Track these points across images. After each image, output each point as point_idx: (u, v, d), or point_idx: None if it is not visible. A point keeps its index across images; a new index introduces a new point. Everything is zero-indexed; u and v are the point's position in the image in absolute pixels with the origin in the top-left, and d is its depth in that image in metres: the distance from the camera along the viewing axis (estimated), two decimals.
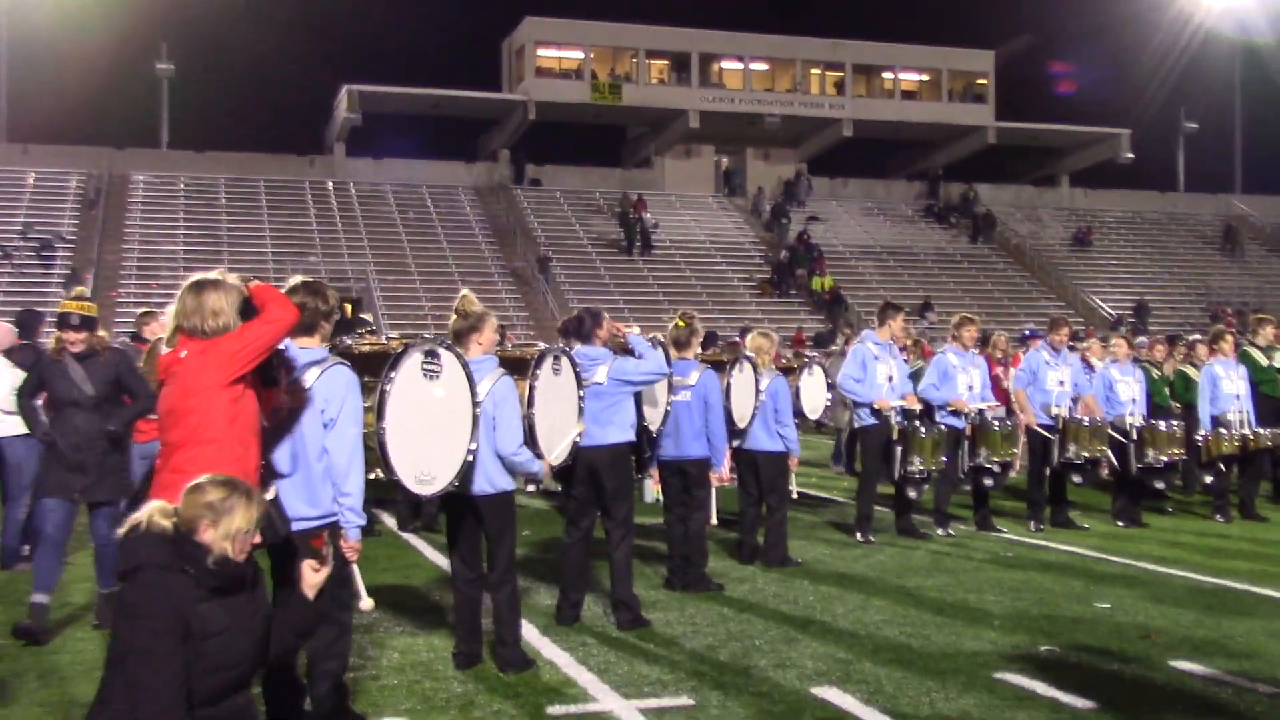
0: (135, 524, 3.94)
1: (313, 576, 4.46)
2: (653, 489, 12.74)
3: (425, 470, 5.83)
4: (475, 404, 5.90)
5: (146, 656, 3.72)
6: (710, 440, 8.43)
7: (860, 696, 5.81)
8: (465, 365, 5.91)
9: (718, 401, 8.46)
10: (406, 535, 10.77)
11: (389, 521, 11.42)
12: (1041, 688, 5.94)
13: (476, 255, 39.84)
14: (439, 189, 43.62)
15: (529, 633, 6.90)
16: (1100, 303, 41.88)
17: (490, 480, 6.18)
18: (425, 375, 5.84)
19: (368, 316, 14.12)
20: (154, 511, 3.97)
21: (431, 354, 5.85)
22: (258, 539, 4.13)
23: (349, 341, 8.23)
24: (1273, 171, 53.65)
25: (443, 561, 9.12)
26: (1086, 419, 11.05)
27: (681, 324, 8.55)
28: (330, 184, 42.77)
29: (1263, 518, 11.92)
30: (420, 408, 5.78)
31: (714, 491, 8.83)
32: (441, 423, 5.84)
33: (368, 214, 41.14)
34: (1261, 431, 11.80)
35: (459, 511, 6.33)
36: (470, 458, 5.90)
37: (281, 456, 5.03)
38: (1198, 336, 16.08)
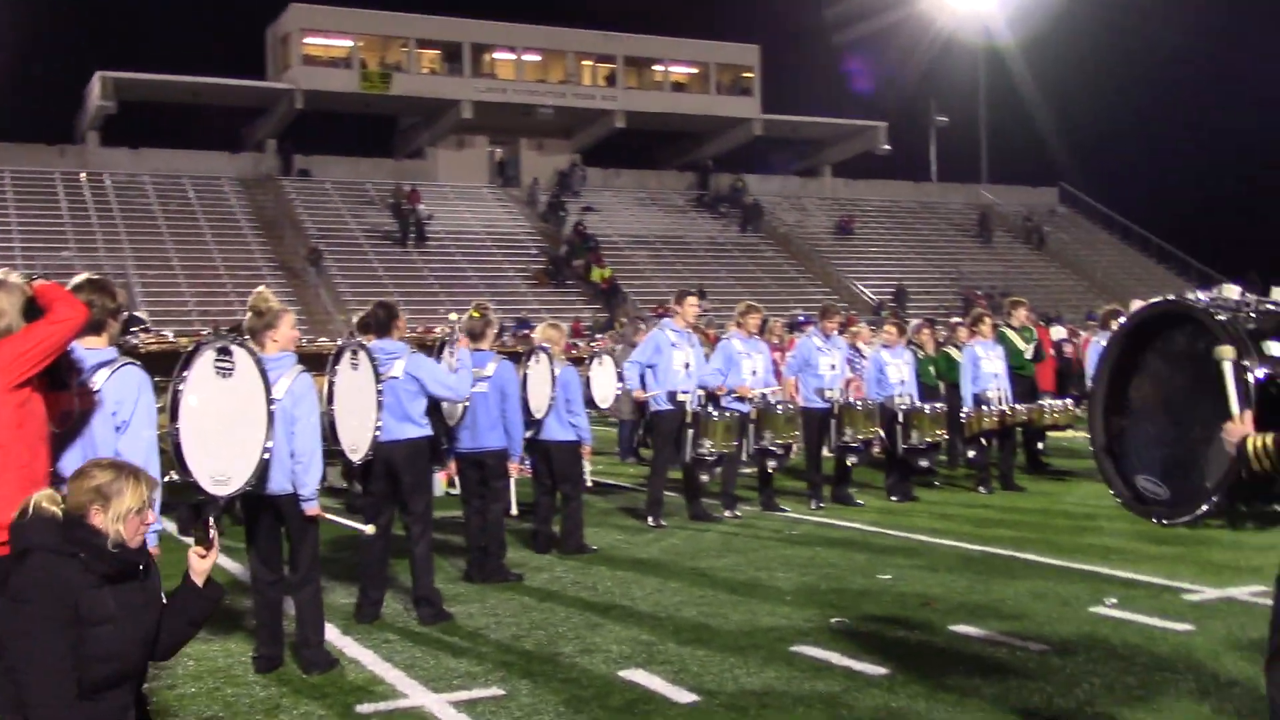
0: (23, 509, 3.77)
1: (200, 563, 4.28)
2: (443, 482, 12.67)
3: (221, 470, 5.68)
4: (270, 401, 5.77)
5: (32, 642, 3.60)
6: (508, 431, 8.46)
7: (666, 676, 5.97)
8: (259, 362, 5.78)
9: (515, 392, 8.51)
10: (187, 539, 10.39)
11: (168, 526, 10.99)
12: (836, 658, 6.23)
13: (243, 249, 38.55)
14: (201, 180, 41.95)
15: (330, 633, 6.78)
16: (863, 289, 43.64)
17: (291, 479, 6.06)
18: (218, 373, 5.69)
19: (141, 314, 13.56)
20: (41, 498, 3.82)
21: (224, 351, 5.70)
22: (151, 518, 4.00)
23: (135, 342, 7.91)
24: (1015, 163, 57.04)
25: (230, 564, 8.89)
26: (859, 403, 11.56)
27: (476, 314, 8.55)
28: (83, 175, 40.58)
29: (1021, 488, 12.73)
30: (214, 407, 5.63)
31: (512, 482, 8.87)
32: (237, 421, 5.70)
33: (125, 206, 39.27)
34: (1018, 407, 12.60)
35: (258, 512, 6.19)
36: (267, 456, 5.77)
37: (72, 462, 4.79)
38: (958, 319, 17.02)
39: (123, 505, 3.84)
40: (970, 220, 53.14)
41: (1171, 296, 4.70)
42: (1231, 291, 4.63)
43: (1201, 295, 4.63)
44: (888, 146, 54.66)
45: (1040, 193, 57.06)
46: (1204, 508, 4.25)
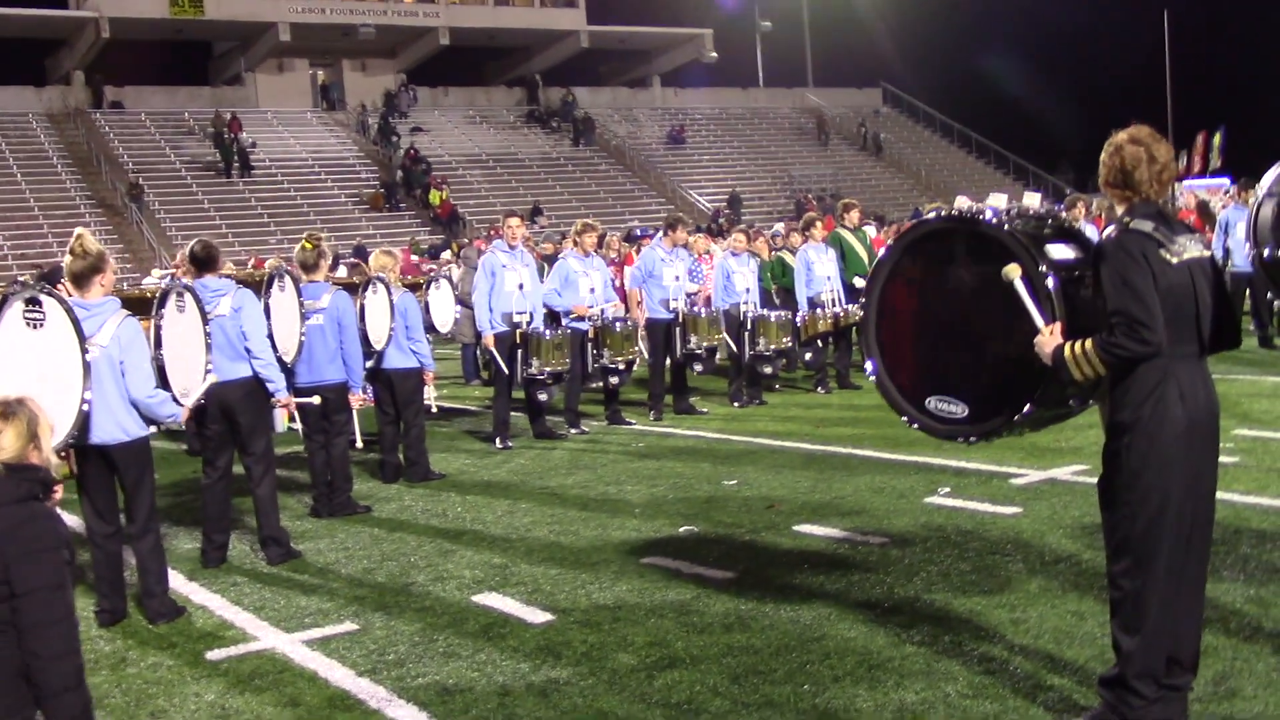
0: None
1: None
2: (283, 419, 12.44)
3: None
4: (84, 350, 5.56)
5: (60, 592, 3.58)
6: (346, 363, 8.34)
7: (520, 598, 6.02)
8: (70, 310, 5.55)
9: (352, 323, 8.36)
10: None
11: None
12: (685, 566, 6.37)
13: (58, 187, 36.76)
14: (6, 117, 39.66)
15: (176, 580, 6.66)
16: (698, 197, 43.92)
17: (123, 427, 5.88)
18: (28, 324, 5.48)
19: None
20: None
21: (33, 301, 5.48)
22: None
23: None
24: (838, 66, 57.80)
25: (70, 519, 8.59)
26: (703, 311, 11.70)
27: (309, 246, 8.36)
28: None
29: (857, 386, 13.08)
30: (24, 359, 5.43)
31: (354, 414, 8.75)
32: (52, 374, 5.50)
33: None
34: (851, 308, 12.89)
35: (87, 463, 5.99)
36: (86, 408, 5.58)
37: None
38: (787, 224, 17.29)
39: (46, 434, 3.77)
40: (798, 125, 53.80)
41: (944, 211, 4.78)
42: (998, 200, 4.79)
43: (971, 206, 4.75)
44: (714, 54, 54.75)
45: (865, 94, 58.02)
46: (1016, 418, 4.37)
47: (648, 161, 46.58)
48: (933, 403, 4.66)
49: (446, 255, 26.84)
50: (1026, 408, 4.31)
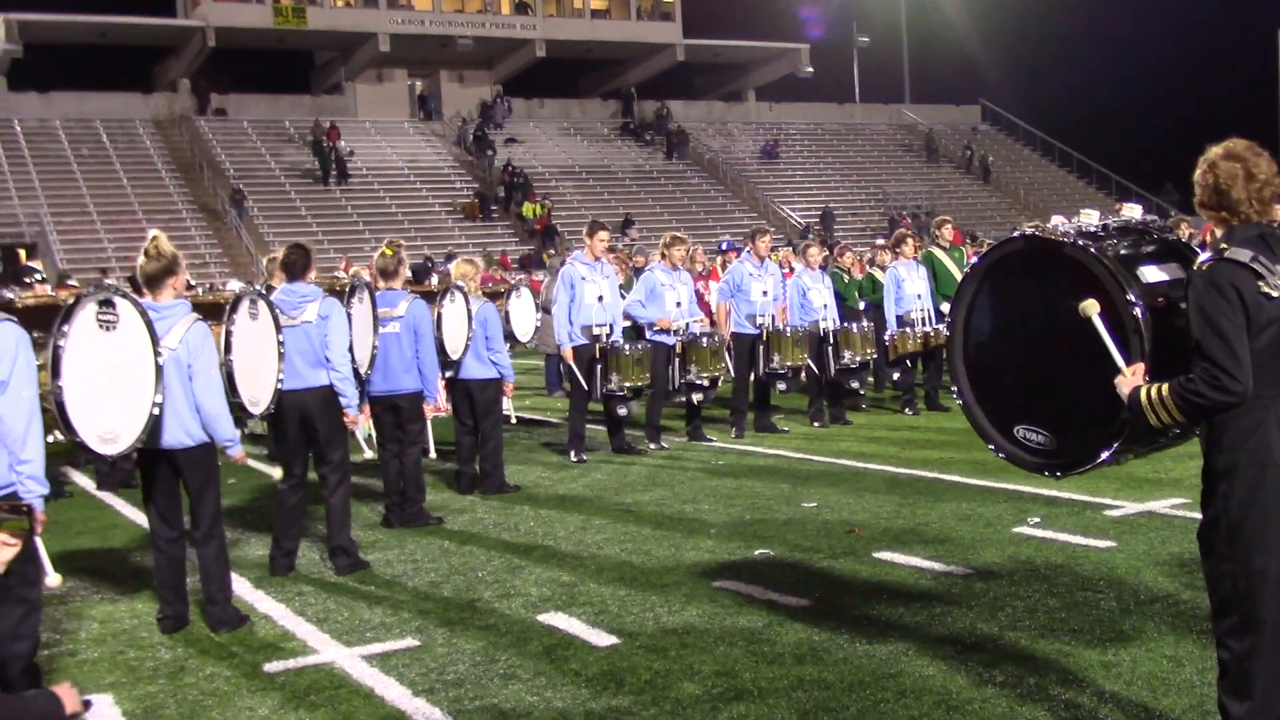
0: None
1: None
2: (364, 426, 12.43)
3: (109, 428, 5.46)
4: (157, 353, 5.51)
5: None
6: (422, 372, 8.25)
7: (586, 619, 5.84)
8: (144, 313, 5.51)
9: (428, 331, 8.27)
10: (103, 494, 10.11)
11: (81, 481, 10.70)
12: (759, 591, 6.14)
13: (161, 192, 37.58)
14: (114, 123, 40.73)
15: (241, 587, 6.61)
16: (790, 212, 43.54)
17: (188, 432, 5.82)
18: (101, 327, 5.44)
19: (36, 265, 13.09)
20: None
21: (106, 304, 5.45)
22: None
23: (10, 296, 7.57)
24: (937, 82, 57.08)
25: (144, 520, 8.61)
26: (788, 329, 11.44)
27: (389, 252, 8.28)
28: None
29: (946, 408, 12.72)
30: (98, 361, 5.39)
31: (429, 423, 8.66)
32: (123, 376, 5.46)
33: (37, 153, 38.05)
34: (941, 328, 12.53)
35: (154, 466, 5.94)
36: (156, 411, 5.53)
37: None
38: (880, 241, 16.92)
39: None
40: (896, 140, 53.16)
41: (1029, 231, 4.44)
42: (1090, 216, 4.47)
43: (1062, 224, 4.45)
44: (810, 69, 54.35)
45: (963, 111, 57.16)
46: (1102, 457, 4.11)
47: (740, 175, 46.32)
48: (1021, 431, 4.40)
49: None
50: (1114, 446, 4.04)
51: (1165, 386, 3.60)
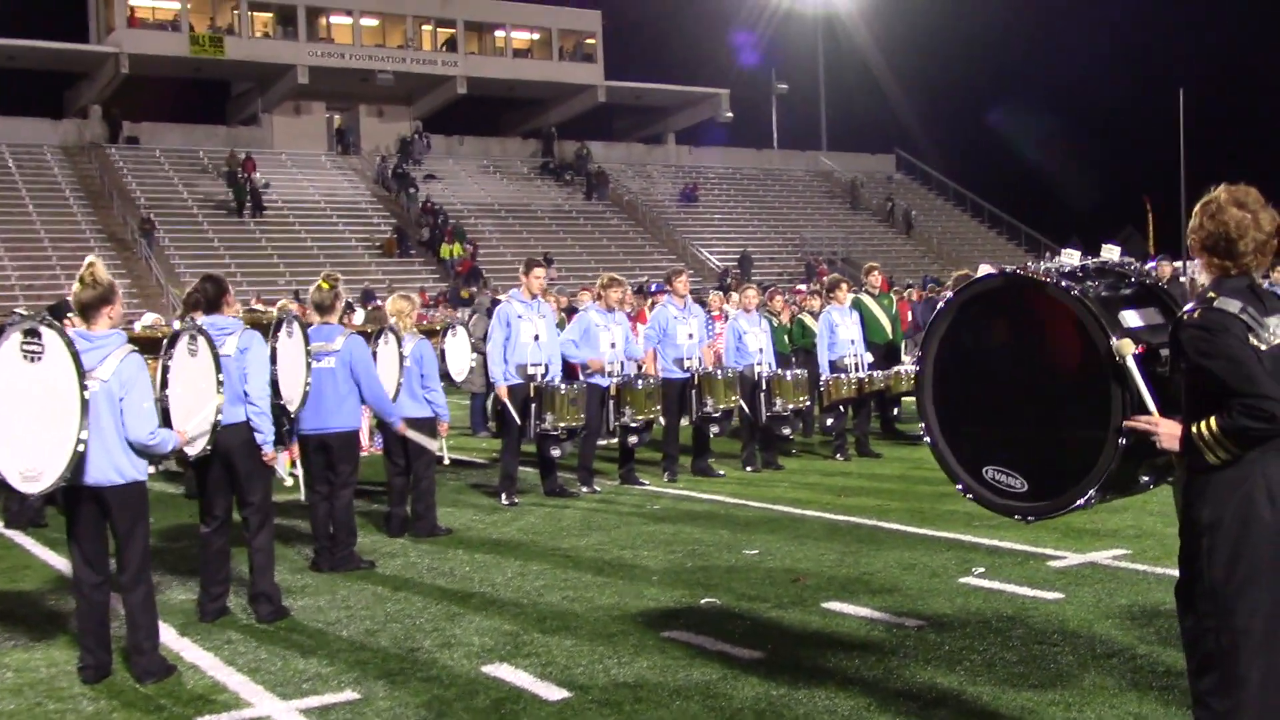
0: None
1: None
2: (286, 464, 12.07)
3: (31, 465, 5.17)
4: (83, 386, 5.22)
5: None
6: (377, 404, 8.18)
7: (534, 671, 5.63)
8: (70, 344, 5.22)
9: (367, 368, 8.01)
10: (11, 533, 9.64)
11: None
12: (709, 642, 5.98)
13: (69, 220, 36.61)
14: (21, 148, 39.65)
15: (166, 634, 6.27)
16: (708, 255, 43.71)
17: (118, 468, 5.51)
18: (25, 357, 5.15)
19: None
20: None
21: (32, 333, 5.15)
22: None
23: None
24: (853, 130, 57.95)
25: (59, 562, 8.24)
26: (719, 372, 11.35)
27: (325, 286, 8.02)
28: None
29: (877, 454, 12.72)
30: (21, 394, 5.12)
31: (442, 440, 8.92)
32: (47, 410, 5.16)
33: None
34: (875, 375, 12.55)
35: (79, 505, 5.61)
36: (81, 448, 5.22)
37: None
38: (802, 286, 16.98)
39: None
40: (812, 186, 53.82)
41: (1010, 268, 4.38)
42: (1071, 257, 4.41)
43: (1040, 264, 4.40)
44: (730, 114, 54.90)
45: (878, 159, 58.06)
46: (1079, 502, 4.03)
47: (659, 218, 46.45)
48: (990, 472, 4.30)
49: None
50: (1091, 492, 3.97)
51: (1214, 422, 3.49)
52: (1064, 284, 4.03)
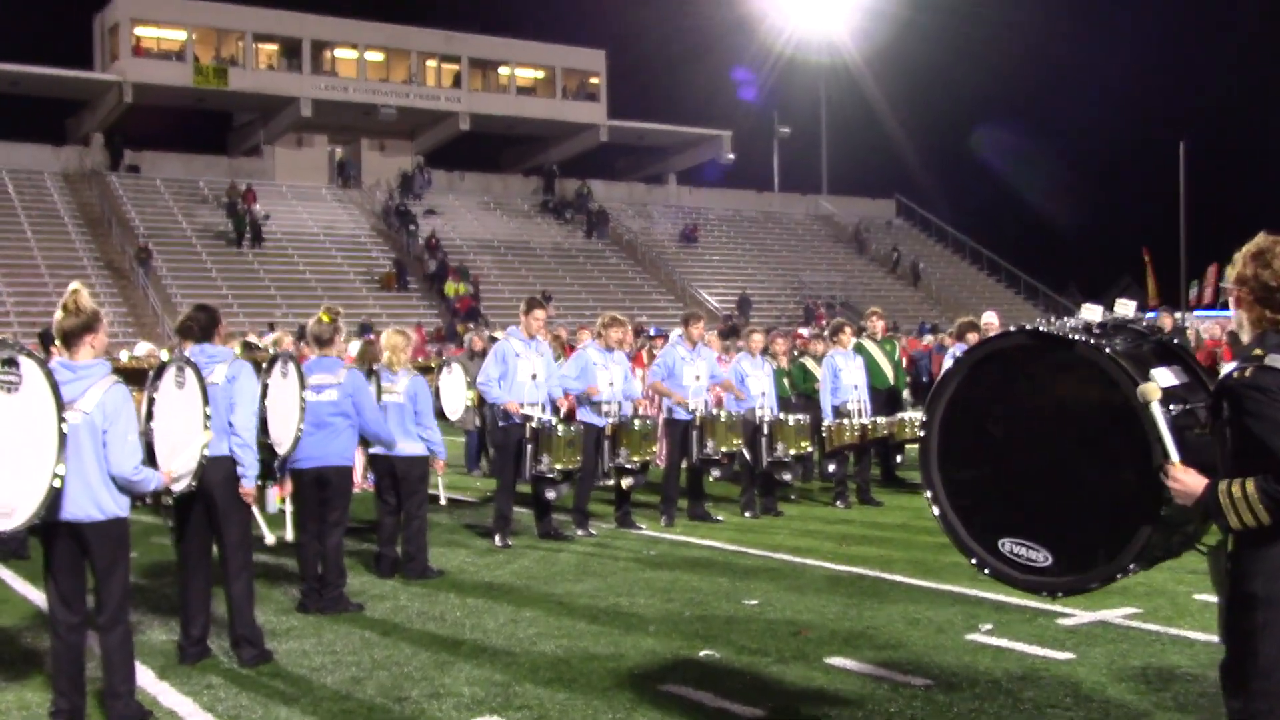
0: None
1: None
2: (275, 499, 11.84)
3: (3, 500, 4.94)
4: (61, 419, 4.99)
5: None
6: (379, 435, 8.04)
7: None
8: (50, 375, 5.00)
9: (367, 401, 7.82)
10: None
11: None
12: (709, 698, 5.75)
13: (67, 247, 36.50)
14: (22, 174, 39.60)
15: (144, 677, 6.04)
16: (707, 296, 43.61)
17: (99, 504, 5.29)
18: (2, 388, 4.94)
19: None
20: None
21: (9, 363, 4.94)
22: None
23: None
24: (854, 175, 58.09)
25: (35, 596, 8.00)
26: (723, 414, 11.15)
27: (326, 319, 7.85)
28: None
29: (878, 502, 12.50)
30: None
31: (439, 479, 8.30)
32: (23, 443, 4.94)
33: None
34: (878, 421, 12.35)
35: (57, 541, 5.38)
36: (58, 483, 5.00)
37: None
38: (804, 330, 16.83)
39: None
40: (812, 230, 53.84)
41: (1030, 326, 4.10)
42: (1092, 313, 4.17)
43: (1058, 321, 4.16)
44: (731, 155, 55.03)
45: (878, 204, 58.13)
46: (1118, 576, 3.79)
47: (659, 258, 46.39)
48: (1008, 545, 4.02)
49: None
50: (1132, 566, 3.73)
51: (1250, 483, 3.27)
52: (1093, 341, 3.81)
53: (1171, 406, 3.62)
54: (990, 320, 14.01)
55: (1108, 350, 3.76)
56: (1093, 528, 3.86)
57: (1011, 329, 4.25)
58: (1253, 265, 3.47)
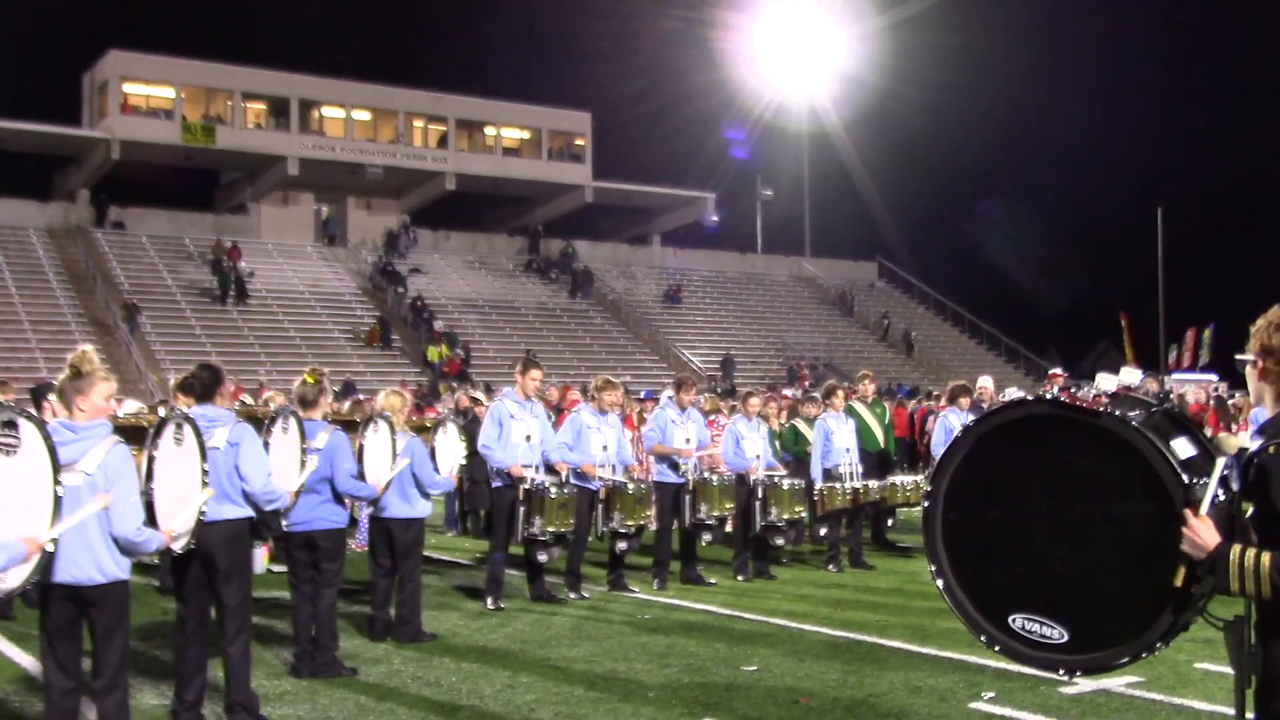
0: None
1: None
2: (264, 559, 11.73)
3: None
4: (57, 483, 4.92)
5: None
6: (350, 494, 7.85)
7: None
8: (48, 438, 4.94)
9: (343, 462, 7.75)
10: None
11: None
12: None
13: (50, 302, 36.26)
14: (7, 230, 39.42)
15: None
16: (691, 356, 43.63)
17: (100, 566, 5.22)
18: (1, 451, 4.87)
19: None
20: None
21: (9, 425, 4.88)
22: None
23: None
24: (836, 237, 58.52)
25: (24, 659, 7.89)
26: (715, 478, 11.12)
27: (311, 380, 7.81)
28: None
29: (871, 566, 12.45)
30: None
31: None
32: (17, 507, 4.85)
33: None
34: (870, 485, 12.34)
35: (56, 604, 5.29)
36: (51, 548, 4.92)
37: None
38: (789, 392, 16.82)
39: None
40: (794, 292, 54.11)
41: (1051, 394, 4.00)
42: (1108, 382, 4.10)
43: (1085, 390, 4.10)
44: (715, 217, 55.37)
45: (860, 266, 58.48)
46: (1140, 655, 3.67)
47: (643, 318, 46.45)
48: (1019, 621, 3.85)
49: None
50: (1159, 645, 3.63)
51: (1265, 557, 3.20)
52: (1118, 413, 3.75)
53: (1196, 478, 3.59)
54: (985, 384, 14.06)
55: (1135, 424, 3.67)
56: (1113, 605, 3.73)
57: (1029, 398, 4.14)
58: (1278, 336, 3.42)
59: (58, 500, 4.91)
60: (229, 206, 47.93)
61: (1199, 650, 7.61)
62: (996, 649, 3.94)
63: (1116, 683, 7.27)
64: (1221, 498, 3.58)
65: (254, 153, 45.28)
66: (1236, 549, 3.27)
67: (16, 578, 4.90)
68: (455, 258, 48.07)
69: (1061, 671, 3.89)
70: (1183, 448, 3.80)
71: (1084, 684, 7.22)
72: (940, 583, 4.05)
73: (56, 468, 4.92)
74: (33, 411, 5.24)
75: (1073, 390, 4.05)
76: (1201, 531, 3.34)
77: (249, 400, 12.13)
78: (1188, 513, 3.42)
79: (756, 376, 41.43)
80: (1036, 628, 3.85)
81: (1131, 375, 4.29)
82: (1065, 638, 3.80)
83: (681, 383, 11.67)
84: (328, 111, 47.96)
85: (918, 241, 64.60)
